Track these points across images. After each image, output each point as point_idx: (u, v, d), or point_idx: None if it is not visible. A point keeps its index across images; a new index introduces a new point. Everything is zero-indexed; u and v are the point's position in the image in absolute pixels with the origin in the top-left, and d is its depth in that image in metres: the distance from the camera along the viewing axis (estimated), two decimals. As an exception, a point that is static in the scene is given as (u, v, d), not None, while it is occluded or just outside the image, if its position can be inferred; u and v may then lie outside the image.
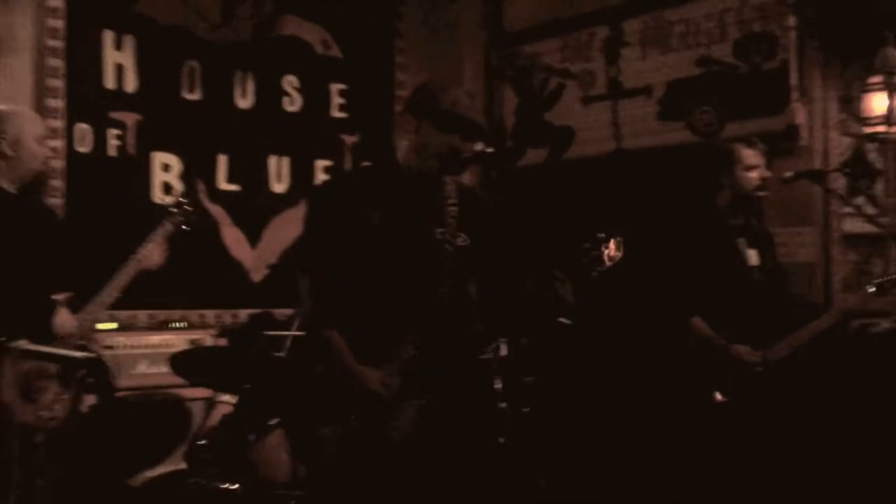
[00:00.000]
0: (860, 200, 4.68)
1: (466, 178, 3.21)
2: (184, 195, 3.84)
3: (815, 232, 4.61)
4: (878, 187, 4.71)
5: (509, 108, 6.19)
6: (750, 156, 3.83)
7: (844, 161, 4.64)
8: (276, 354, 3.93)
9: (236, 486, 3.65)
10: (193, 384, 4.07)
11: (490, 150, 2.78)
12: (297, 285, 2.83)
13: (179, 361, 3.83)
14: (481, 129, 2.78)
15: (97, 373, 2.45)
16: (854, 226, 4.61)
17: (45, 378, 3.18)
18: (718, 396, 3.72)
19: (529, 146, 6.07)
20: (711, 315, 3.79)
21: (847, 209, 4.59)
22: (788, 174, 3.92)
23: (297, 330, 4.06)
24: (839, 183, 4.58)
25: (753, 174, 3.82)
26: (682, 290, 3.83)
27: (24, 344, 2.41)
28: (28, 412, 3.10)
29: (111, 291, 3.61)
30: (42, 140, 3.63)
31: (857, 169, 4.68)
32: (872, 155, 4.75)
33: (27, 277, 3.37)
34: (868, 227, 4.54)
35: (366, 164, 3.16)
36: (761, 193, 3.84)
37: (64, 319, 3.37)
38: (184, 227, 3.85)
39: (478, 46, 6.32)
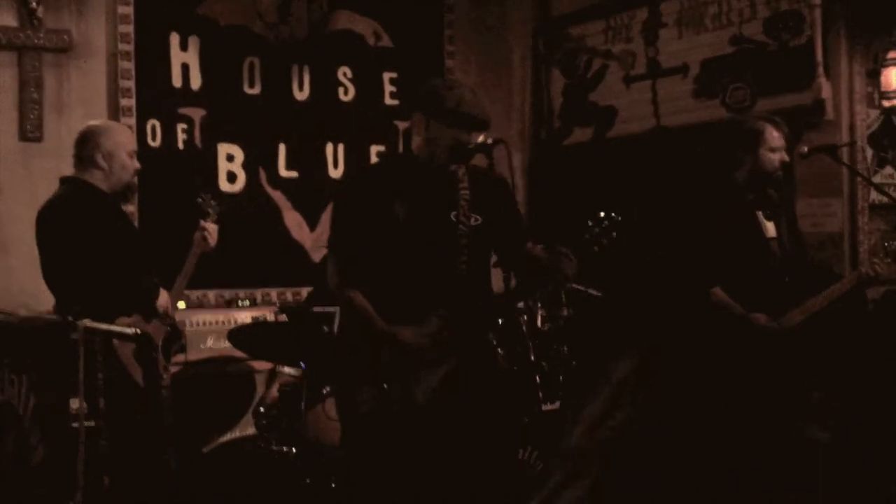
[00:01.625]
0: (889, 170, 4.82)
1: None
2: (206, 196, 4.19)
3: (842, 202, 4.75)
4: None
5: (556, 89, 6.43)
6: (776, 138, 3.92)
7: (871, 133, 4.78)
8: (326, 329, 4.28)
9: (292, 449, 4.02)
10: (252, 357, 4.46)
11: (490, 140, 3.05)
12: (325, 267, 3.17)
13: (236, 336, 4.21)
14: (484, 122, 3.07)
15: (146, 347, 2.82)
16: (881, 196, 4.74)
17: (155, 350, 3.66)
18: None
19: (576, 125, 6.31)
20: (731, 285, 3.98)
21: (875, 179, 4.74)
22: (804, 149, 4.09)
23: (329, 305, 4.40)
24: (866, 154, 4.73)
25: (776, 156, 3.95)
26: (703, 261, 4.01)
27: (87, 322, 2.78)
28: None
29: (184, 275, 3.98)
30: (133, 154, 3.94)
31: (885, 140, 4.81)
32: (902, 126, 4.89)
33: (133, 263, 3.76)
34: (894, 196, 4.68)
35: (386, 156, 3.45)
36: (779, 174, 3.98)
37: (164, 299, 3.78)
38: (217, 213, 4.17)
39: (525, 31, 6.56)
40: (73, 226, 3.62)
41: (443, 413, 3.02)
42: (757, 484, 3.79)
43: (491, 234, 3.16)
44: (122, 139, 3.93)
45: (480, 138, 3.06)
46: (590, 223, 3.16)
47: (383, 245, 3.07)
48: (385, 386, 2.96)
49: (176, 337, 3.89)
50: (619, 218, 3.11)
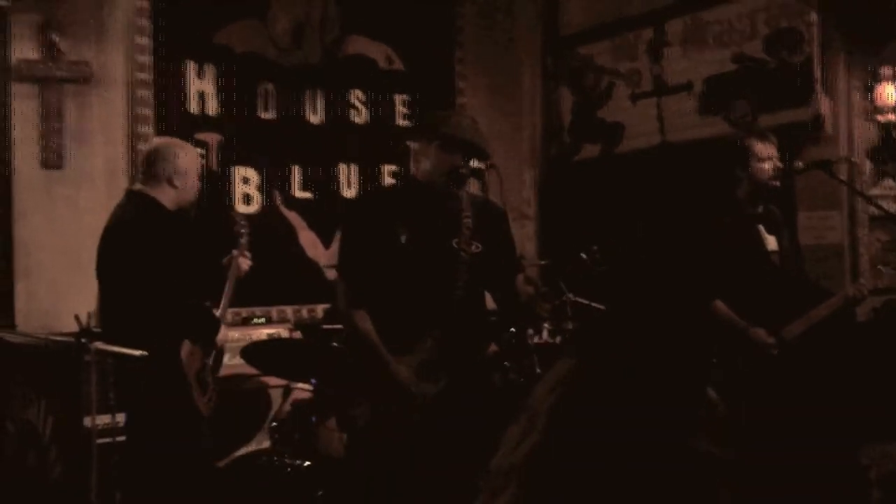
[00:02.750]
0: (889, 183, 4.89)
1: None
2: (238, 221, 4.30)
3: (842, 215, 4.83)
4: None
5: (566, 106, 6.56)
6: (762, 149, 4.09)
7: (870, 147, 4.86)
8: (336, 345, 4.41)
9: (305, 463, 4.15)
10: (264, 373, 4.61)
11: (481, 165, 3.19)
12: (335, 289, 3.32)
13: (250, 353, 4.35)
14: (482, 150, 3.22)
15: (147, 369, 2.96)
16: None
17: (208, 372, 3.81)
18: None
19: (585, 142, 6.42)
20: (733, 298, 4.08)
21: (874, 192, 4.82)
22: (799, 164, 4.19)
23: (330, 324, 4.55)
24: (864, 167, 4.81)
25: (766, 165, 4.08)
26: (705, 275, 4.12)
27: (99, 344, 2.93)
28: (202, 402, 3.72)
29: (224, 303, 4.08)
30: (199, 174, 4.01)
31: (884, 153, 4.89)
32: (902, 139, 4.96)
33: (193, 287, 3.79)
34: (893, 208, 4.76)
35: (391, 182, 3.59)
36: (775, 183, 4.10)
37: (223, 334, 3.90)
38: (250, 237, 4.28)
39: (535, 51, 6.70)
40: (147, 247, 3.63)
41: (435, 430, 3.15)
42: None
43: (489, 263, 3.30)
44: (194, 158, 4.01)
45: (473, 163, 3.20)
46: (583, 256, 3.29)
47: (386, 267, 3.21)
48: (381, 403, 3.10)
49: (219, 361, 4.02)
50: (609, 249, 3.25)
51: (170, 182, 3.76)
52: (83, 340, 3.03)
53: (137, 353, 2.87)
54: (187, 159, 3.87)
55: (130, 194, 3.85)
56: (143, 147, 5.24)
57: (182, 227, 3.88)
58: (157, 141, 4.01)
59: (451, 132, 3.19)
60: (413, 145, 3.35)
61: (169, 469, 3.48)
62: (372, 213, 3.36)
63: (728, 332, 4.05)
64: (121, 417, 3.14)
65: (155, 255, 3.56)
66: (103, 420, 3.00)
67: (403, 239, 3.21)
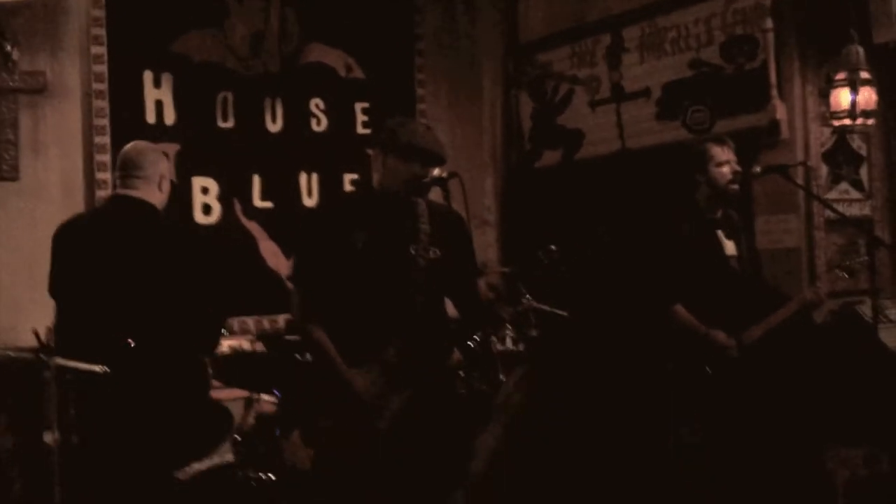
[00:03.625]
0: (844, 186, 4.98)
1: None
2: None
3: (800, 218, 4.90)
4: (863, 173, 5.01)
5: (526, 113, 6.59)
6: (719, 152, 4.14)
7: (825, 151, 4.93)
8: (299, 357, 4.38)
9: (267, 476, 4.12)
10: (227, 385, 4.56)
11: (445, 174, 3.20)
12: (290, 299, 3.29)
13: (213, 366, 4.31)
14: (438, 156, 3.22)
15: (104, 384, 2.92)
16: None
17: None
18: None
19: (545, 148, 6.45)
20: (692, 302, 4.14)
21: (831, 195, 4.90)
22: (757, 169, 4.25)
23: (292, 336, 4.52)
24: (820, 171, 4.89)
25: (725, 169, 4.14)
26: (665, 279, 4.17)
27: (59, 360, 2.89)
28: None
29: None
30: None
31: (839, 157, 4.97)
32: (857, 143, 5.04)
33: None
34: (849, 212, 4.85)
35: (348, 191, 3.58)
36: (734, 187, 4.14)
37: None
38: None
39: (495, 57, 6.72)
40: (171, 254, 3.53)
41: (401, 440, 3.14)
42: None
43: (447, 269, 3.29)
44: (168, 166, 3.83)
45: (436, 172, 3.20)
46: (539, 255, 3.31)
47: (342, 276, 3.19)
48: (342, 415, 3.09)
49: None
50: (567, 250, 3.27)
51: (160, 186, 3.61)
52: (42, 356, 2.97)
53: (98, 368, 2.83)
54: (168, 165, 3.81)
55: (120, 200, 3.60)
56: (101, 155, 5.23)
57: (186, 232, 3.77)
58: (138, 143, 3.78)
59: (408, 140, 3.17)
60: (371, 156, 3.31)
61: (128, 482, 3.43)
62: (327, 223, 3.34)
63: (688, 336, 4.10)
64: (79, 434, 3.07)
65: (173, 263, 3.48)
66: (63, 437, 2.95)
67: (360, 245, 3.19)
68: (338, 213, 3.36)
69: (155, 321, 3.39)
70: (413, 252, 3.23)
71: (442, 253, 3.26)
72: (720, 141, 4.19)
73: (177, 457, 3.88)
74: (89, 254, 3.49)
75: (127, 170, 3.61)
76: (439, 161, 3.24)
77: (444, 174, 3.21)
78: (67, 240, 3.56)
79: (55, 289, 3.53)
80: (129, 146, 3.74)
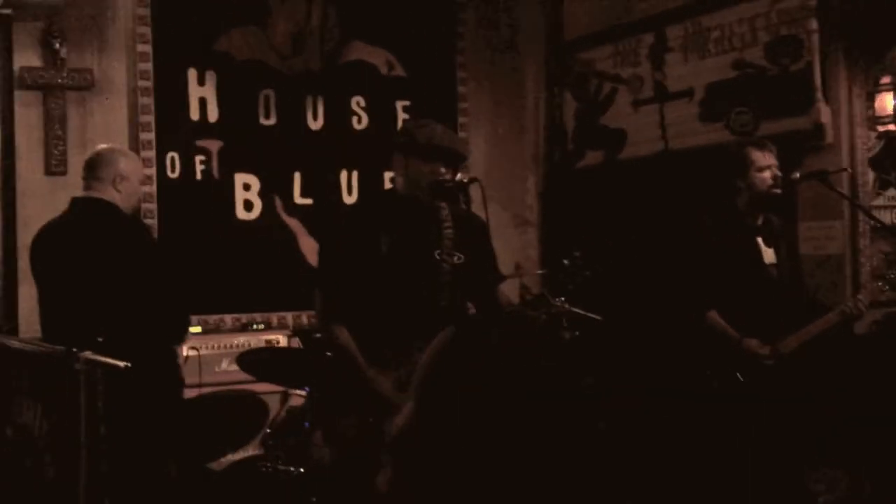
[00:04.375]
0: (892, 192, 4.87)
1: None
2: None
3: (844, 225, 4.80)
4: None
5: (569, 112, 6.54)
6: (760, 157, 4.03)
7: (872, 156, 4.83)
8: (329, 354, 4.41)
9: (299, 469, 4.16)
10: (258, 380, 4.61)
11: (466, 179, 3.20)
12: (314, 302, 3.33)
13: (245, 360, 4.36)
14: (458, 154, 3.23)
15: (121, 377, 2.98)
16: (883, 218, 4.80)
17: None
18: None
19: (587, 148, 6.41)
20: (729, 309, 4.07)
21: (877, 202, 4.80)
22: (796, 175, 4.16)
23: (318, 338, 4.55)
24: (867, 177, 4.79)
25: (766, 174, 4.03)
26: (700, 285, 4.11)
27: (89, 354, 2.95)
28: None
29: None
30: (143, 181, 4.05)
31: (887, 163, 4.86)
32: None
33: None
34: (897, 219, 4.75)
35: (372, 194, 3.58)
36: (776, 191, 4.05)
37: None
38: None
39: (538, 56, 6.69)
40: (126, 248, 3.70)
41: (420, 440, 3.15)
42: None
43: (470, 273, 3.30)
44: (137, 165, 4.03)
45: (458, 176, 3.21)
46: (565, 262, 3.30)
47: (367, 279, 3.20)
48: (366, 415, 3.11)
49: None
50: (590, 256, 3.26)
51: (114, 185, 3.79)
52: (73, 349, 3.03)
53: (122, 364, 2.88)
54: (130, 165, 3.90)
55: (78, 201, 3.85)
56: (146, 151, 5.33)
57: (144, 226, 3.92)
58: (99, 147, 4.01)
59: (427, 140, 3.18)
60: (392, 160, 3.32)
61: (158, 474, 3.50)
62: (351, 225, 3.36)
63: (722, 343, 4.04)
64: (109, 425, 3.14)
65: (132, 256, 3.64)
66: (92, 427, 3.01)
67: (385, 249, 3.20)
68: (363, 217, 3.38)
69: (118, 314, 3.55)
70: (437, 256, 3.24)
71: (465, 258, 3.27)
72: (761, 145, 4.09)
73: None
74: (53, 255, 3.78)
75: (85, 173, 3.88)
76: (461, 159, 3.25)
77: (466, 179, 3.21)
78: (36, 245, 3.87)
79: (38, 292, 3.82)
80: (92, 150, 3.99)
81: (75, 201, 3.88)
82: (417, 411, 3.06)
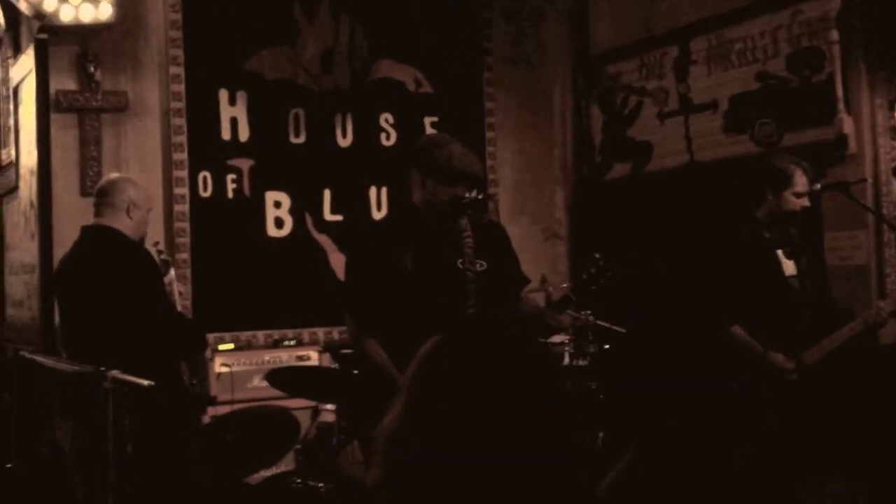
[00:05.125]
0: (918, 203, 4.84)
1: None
2: None
3: (868, 235, 4.78)
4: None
5: (596, 125, 6.58)
6: (802, 182, 4.04)
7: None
8: (356, 372, 4.49)
9: (320, 485, 4.25)
10: (288, 395, 4.71)
11: (481, 196, 3.26)
12: (346, 320, 3.41)
13: (274, 377, 4.46)
14: (476, 177, 3.29)
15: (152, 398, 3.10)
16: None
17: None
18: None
19: (615, 161, 6.44)
20: (751, 322, 4.09)
21: (903, 212, 4.78)
22: (817, 186, 4.18)
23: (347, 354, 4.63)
24: (892, 187, 4.78)
25: (799, 201, 4.05)
26: (724, 299, 4.12)
27: (116, 373, 3.06)
28: None
29: None
30: (150, 212, 4.17)
31: (912, 172, 4.83)
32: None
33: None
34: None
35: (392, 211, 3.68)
36: (797, 218, 4.08)
37: None
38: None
39: (565, 69, 6.73)
40: (131, 276, 3.87)
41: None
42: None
43: (495, 278, 3.38)
44: (146, 194, 4.19)
45: (473, 193, 3.27)
46: (586, 264, 3.36)
47: (394, 295, 3.28)
48: None
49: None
50: (611, 258, 3.31)
51: (127, 212, 3.94)
52: (101, 368, 3.15)
53: (145, 383, 2.99)
54: (140, 194, 4.05)
55: (88, 230, 4.00)
56: (179, 171, 5.46)
57: (146, 253, 4.05)
58: (111, 175, 4.18)
59: (445, 163, 3.24)
60: (410, 176, 3.40)
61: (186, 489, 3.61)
62: (373, 244, 3.44)
63: (746, 357, 4.05)
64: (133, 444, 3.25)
65: (137, 283, 3.80)
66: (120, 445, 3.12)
67: (409, 266, 3.28)
68: (383, 235, 3.46)
69: (121, 337, 3.69)
70: (460, 265, 3.32)
71: (488, 264, 3.35)
72: (805, 169, 4.05)
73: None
74: (66, 283, 3.97)
75: (97, 199, 4.03)
76: (477, 182, 3.30)
77: (481, 195, 3.27)
78: (55, 275, 4.11)
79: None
80: (104, 178, 4.17)
81: (85, 230, 4.05)
82: (408, 413, 3.13)
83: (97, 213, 4.00)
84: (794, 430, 3.89)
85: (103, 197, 4.00)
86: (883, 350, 4.52)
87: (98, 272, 3.84)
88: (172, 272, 4.25)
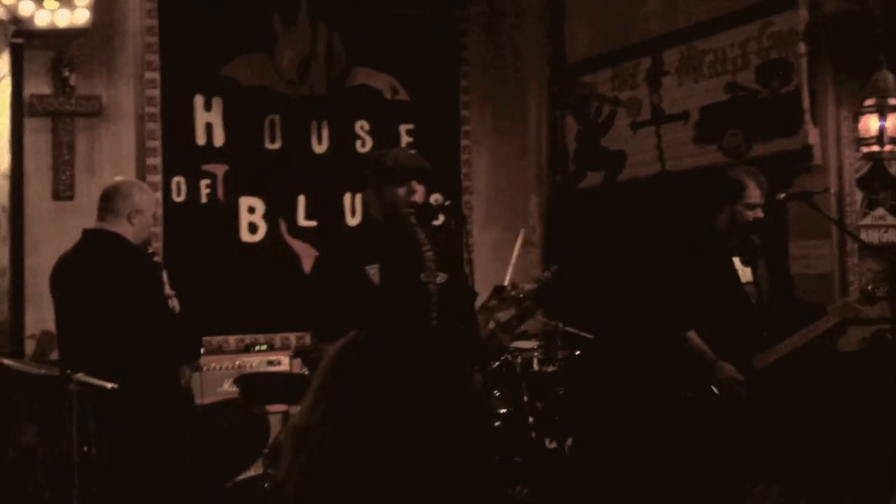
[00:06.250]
0: (880, 212, 4.92)
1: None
2: None
3: (832, 244, 4.85)
4: (901, 199, 4.95)
5: (571, 134, 6.64)
6: (755, 194, 4.10)
7: (860, 176, 4.89)
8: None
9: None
10: (259, 401, 4.74)
11: (447, 202, 3.33)
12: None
13: (241, 381, 4.49)
14: (424, 168, 3.37)
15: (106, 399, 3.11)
16: (871, 237, 4.85)
17: None
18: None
19: (589, 169, 6.50)
20: (706, 328, 4.15)
21: (865, 221, 4.85)
22: (781, 195, 4.24)
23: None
24: (855, 197, 4.85)
25: (751, 213, 4.10)
26: (678, 306, 4.20)
27: (81, 376, 3.08)
28: None
29: None
30: (155, 216, 4.19)
31: (875, 183, 4.91)
32: (894, 168, 4.98)
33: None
34: (886, 238, 4.80)
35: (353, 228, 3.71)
36: (752, 229, 4.14)
37: None
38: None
39: (541, 79, 6.79)
40: (128, 279, 3.85)
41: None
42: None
43: (454, 290, 3.42)
44: (152, 199, 4.17)
45: (439, 199, 3.35)
46: (544, 275, 3.41)
47: (360, 310, 3.31)
48: None
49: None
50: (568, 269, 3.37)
51: (129, 219, 3.92)
52: (67, 371, 3.17)
53: (109, 385, 3.01)
54: (145, 199, 4.03)
55: (90, 233, 3.97)
56: (153, 176, 5.48)
57: (149, 258, 4.06)
58: (117, 179, 4.17)
59: (394, 163, 3.34)
60: (364, 196, 3.47)
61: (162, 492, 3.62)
62: (342, 258, 3.49)
63: (699, 363, 4.12)
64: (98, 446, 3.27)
65: (136, 287, 3.77)
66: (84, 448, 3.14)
67: (376, 280, 3.32)
68: (346, 250, 3.51)
69: (122, 342, 3.67)
70: (423, 279, 3.36)
71: (448, 275, 3.40)
72: (758, 180, 4.11)
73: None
74: (63, 286, 3.91)
75: (101, 203, 4.00)
76: (426, 172, 3.37)
77: (447, 202, 3.35)
78: (52, 275, 3.99)
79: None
80: (109, 182, 4.11)
81: (87, 233, 4.01)
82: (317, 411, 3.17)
83: (99, 217, 3.98)
84: (740, 434, 3.95)
85: (106, 201, 3.97)
86: (841, 358, 4.59)
87: (96, 276, 3.82)
88: (164, 276, 4.27)
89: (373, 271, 3.35)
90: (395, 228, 3.38)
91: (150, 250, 4.37)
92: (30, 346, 5.02)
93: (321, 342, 3.42)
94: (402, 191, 3.32)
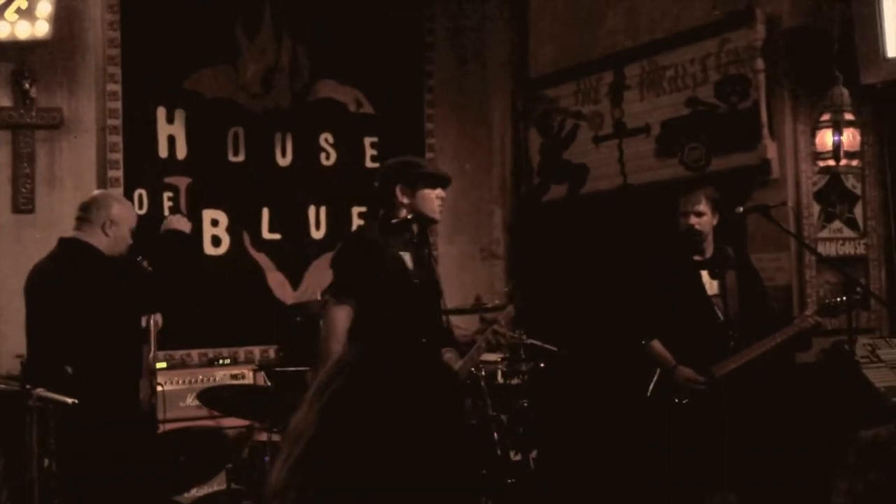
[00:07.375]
0: (837, 225, 5.01)
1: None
2: None
3: (790, 257, 4.93)
4: (857, 211, 5.04)
5: (534, 148, 6.68)
6: (683, 202, 4.36)
7: (818, 190, 4.97)
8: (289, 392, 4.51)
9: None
10: (220, 415, 4.71)
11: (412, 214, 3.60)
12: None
13: (206, 396, 4.46)
14: (449, 179, 3.91)
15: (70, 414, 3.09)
16: (828, 249, 4.94)
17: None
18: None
19: (552, 182, 6.54)
20: (671, 339, 4.27)
21: (822, 234, 4.94)
22: (739, 209, 4.34)
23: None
24: (813, 210, 4.94)
25: (685, 220, 4.32)
26: (645, 316, 4.31)
27: (41, 391, 3.05)
28: None
29: None
30: (133, 231, 4.14)
31: (832, 196, 5.00)
32: (851, 182, 5.07)
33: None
34: (843, 250, 4.89)
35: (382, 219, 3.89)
36: (694, 237, 4.27)
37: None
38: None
39: (505, 93, 6.84)
40: (94, 288, 3.86)
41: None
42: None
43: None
44: (130, 212, 4.19)
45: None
46: (507, 289, 3.48)
47: (390, 291, 3.63)
48: None
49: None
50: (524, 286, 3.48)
51: (103, 229, 3.94)
52: (27, 387, 3.14)
53: (69, 400, 2.99)
54: (122, 211, 4.05)
55: (64, 242, 4.00)
56: (114, 189, 5.43)
57: (121, 270, 4.03)
58: (96, 192, 4.21)
59: (430, 170, 3.88)
60: (390, 192, 3.83)
61: None
62: (376, 243, 3.77)
63: (661, 369, 4.25)
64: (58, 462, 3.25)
65: (102, 298, 3.77)
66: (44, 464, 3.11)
67: (410, 265, 3.69)
68: (382, 237, 3.77)
69: (91, 350, 3.71)
70: (436, 278, 3.82)
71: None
72: (688, 189, 4.37)
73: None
74: (37, 292, 3.94)
75: (78, 213, 4.04)
76: (450, 182, 3.90)
77: (410, 215, 3.64)
78: (27, 283, 4.01)
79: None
80: (90, 193, 4.18)
81: (61, 242, 4.04)
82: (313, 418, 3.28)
83: (75, 227, 4.02)
84: (699, 444, 4.03)
85: (82, 212, 4.01)
86: (799, 369, 4.67)
87: (64, 285, 3.86)
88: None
89: (406, 256, 3.70)
90: (421, 224, 3.75)
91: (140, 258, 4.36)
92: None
93: (340, 303, 3.63)
94: (434, 194, 3.73)
